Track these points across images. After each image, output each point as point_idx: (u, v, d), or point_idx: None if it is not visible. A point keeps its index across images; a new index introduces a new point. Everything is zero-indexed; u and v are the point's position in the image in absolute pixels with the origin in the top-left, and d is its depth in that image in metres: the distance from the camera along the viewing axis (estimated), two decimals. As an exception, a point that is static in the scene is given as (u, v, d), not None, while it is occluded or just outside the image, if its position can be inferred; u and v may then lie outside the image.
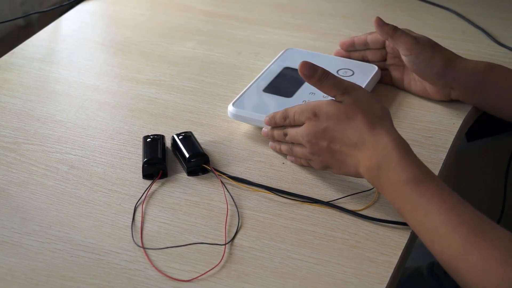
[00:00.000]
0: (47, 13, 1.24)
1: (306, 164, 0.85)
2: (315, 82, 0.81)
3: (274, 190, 0.82)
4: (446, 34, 1.15)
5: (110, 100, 0.99)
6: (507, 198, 1.23)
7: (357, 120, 0.77)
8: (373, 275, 0.71)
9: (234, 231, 0.77)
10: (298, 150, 0.84)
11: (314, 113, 0.80)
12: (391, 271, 0.72)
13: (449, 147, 0.89)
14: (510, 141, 1.18)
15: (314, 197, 0.81)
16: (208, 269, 0.72)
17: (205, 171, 0.85)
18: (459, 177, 1.42)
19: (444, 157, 0.88)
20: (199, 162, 0.85)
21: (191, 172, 0.85)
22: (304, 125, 0.81)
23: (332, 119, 0.79)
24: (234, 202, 0.81)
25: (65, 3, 1.24)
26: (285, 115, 0.84)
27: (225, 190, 0.82)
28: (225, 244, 0.75)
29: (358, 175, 0.78)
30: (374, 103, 0.79)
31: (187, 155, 0.84)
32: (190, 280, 0.71)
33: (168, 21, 1.20)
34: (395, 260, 0.73)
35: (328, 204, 0.80)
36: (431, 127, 0.93)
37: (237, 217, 0.79)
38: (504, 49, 1.10)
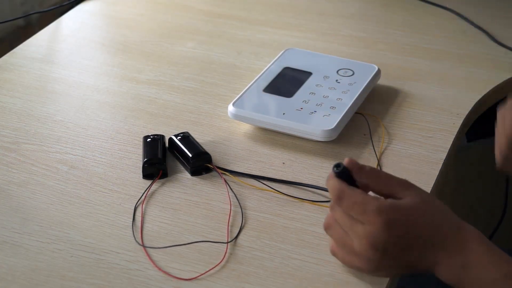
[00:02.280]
0: (47, 13, 1.24)
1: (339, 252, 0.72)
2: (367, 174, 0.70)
3: (280, 181, 0.83)
4: (447, 34, 1.15)
5: (110, 100, 0.99)
6: (508, 198, 1.23)
7: (438, 221, 0.68)
8: (374, 276, 0.71)
9: (236, 230, 0.77)
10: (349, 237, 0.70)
11: (390, 220, 0.67)
12: (391, 271, 0.72)
13: (449, 147, 0.89)
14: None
15: (314, 198, 0.81)
16: (209, 269, 0.72)
17: (208, 171, 0.85)
18: (459, 177, 1.42)
19: (444, 157, 0.88)
20: (202, 162, 0.85)
21: (195, 172, 0.85)
22: (369, 226, 0.67)
23: (414, 227, 0.67)
24: (238, 201, 0.81)
25: (65, 3, 1.24)
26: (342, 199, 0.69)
27: (228, 188, 0.82)
28: (227, 242, 0.75)
29: (424, 272, 0.70)
30: (435, 198, 0.71)
31: (190, 155, 0.84)
32: (191, 279, 0.71)
33: (168, 21, 1.20)
34: (395, 260, 0.73)
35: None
36: (431, 127, 0.93)
37: (240, 215, 0.79)
38: (505, 49, 1.10)
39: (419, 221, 0.68)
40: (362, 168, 0.70)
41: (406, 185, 0.70)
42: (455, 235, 0.68)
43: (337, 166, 0.69)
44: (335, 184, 0.69)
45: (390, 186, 0.69)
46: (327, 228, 0.72)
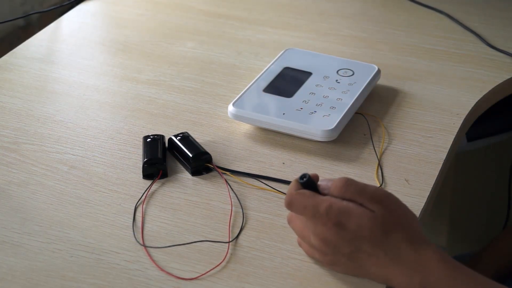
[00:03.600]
0: (47, 13, 1.24)
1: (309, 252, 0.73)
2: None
3: (281, 181, 0.83)
4: (447, 34, 1.15)
5: (110, 100, 0.99)
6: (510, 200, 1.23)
7: (396, 236, 0.67)
8: (373, 275, 0.71)
9: (236, 230, 0.77)
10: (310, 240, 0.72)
11: (339, 222, 0.68)
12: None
13: (449, 147, 0.89)
14: (510, 141, 1.18)
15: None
16: (209, 269, 0.72)
17: (208, 170, 0.85)
18: (459, 177, 1.42)
19: (444, 157, 0.88)
20: (202, 162, 0.85)
21: (195, 172, 0.85)
22: (322, 227, 0.69)
23: (363, 233, 0.67)
24: (239, 200, 0.81)
25: (65, 3, 1.24)
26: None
27: (229, 188, 0.82)
28: (228, 242, 0.75)
29: (381, 283, 0.70)
30: (412, 216, 0.70)
31: (190, 155, 0.84)
32: (191, 279, 0.71)
33: (168, 21, 1.20)
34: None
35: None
36: (431, 127, 0.93)
37: (241, 215, 0.79)
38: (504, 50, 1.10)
39: (373, 230, 0.67)
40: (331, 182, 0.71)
41: (375, 199, 0.68)
42: (418, 257, 0.67)
43: (302, 177, 0.70)
44: (289, 189, 0.71)
45: (361, 199, 0.68)
46: (289, 222, 0.74)
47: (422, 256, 0.67)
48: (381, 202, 0.68)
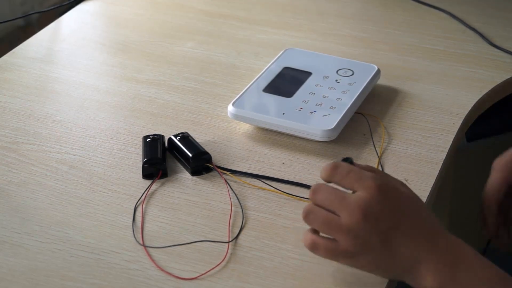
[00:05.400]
0: (47, 13, 1.24)
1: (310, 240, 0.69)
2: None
3: (281, 181, 0.83)
4: (447, 34, 1.15)
5: (110, 100, 0.99)
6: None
7: (430, 216, 0.68)
8: (373, 275, 0.71)
9: (236, 230, 0.77)
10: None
11: (386, 193, 0.67)
12: (391, 271, 0.72)
13: (449, 147, 0.89)
14: (510, 141, 1.18)
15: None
16: (209, 269, 0.72)
17: (208, 170, 0.85)
18: (459, 177, 1.42)
19: (444, 157, 0.88)
20: (202, 161, 0.85)
21: (195, 172, 0.85)
22: (364, 194, 0.67)
23: (405, 205, 0.67)
24: (238, 200, 0.81)
25: (65, 3, 1.24)
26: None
27: (229, 188, 0.82)
28: (228, 242, 0.75)
29: (399, 274, 0.67)
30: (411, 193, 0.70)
31: (190, 155, 0.84)
32: (191, 279, 0.71)
33: (168, 21, 1.20)
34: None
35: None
36: (431, 127, 0.93)
37: (241, 215, 0.79)
38: (504, 50, 1.10)
39: (412, 205, 0.68)
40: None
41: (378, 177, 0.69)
42: (444, 234, 0.67)
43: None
44: (329, 162, 0.70)
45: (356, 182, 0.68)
46: (308, 214, 0.68)
47: (452, 239, 0.66)
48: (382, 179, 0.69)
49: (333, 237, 0.67)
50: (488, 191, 0.83)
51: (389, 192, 0.67)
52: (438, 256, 0.65)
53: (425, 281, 0.65)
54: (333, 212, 0.67)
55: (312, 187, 0.69)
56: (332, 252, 0.67)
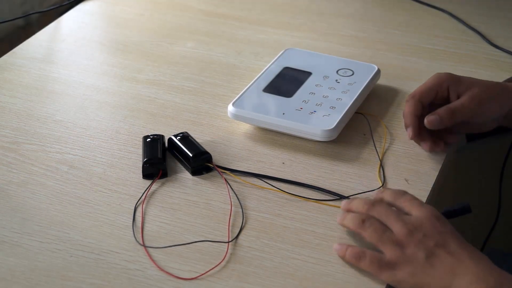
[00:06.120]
0: (47, 13, 1.24)
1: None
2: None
3: (281, 181, 0.83)
4: (447, 34, 1.15)
5: (110, 100, 0.99)
6: (502, 199, 1.23)
7: (464, 242, 0.71)
8: (373, 275, 0.71)
9: (236, 229, 0.77)
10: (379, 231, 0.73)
11: (439, 215, 0.74)
12: (391, 271, 0.72)
13: (449, 147, 0.89)
14: (509, 141, 1.18)
15: (315, 197, 0.81)
16: (209, 269, 0.72)
17: (208, 170, 0.85)
18: (459, 177, 1.42)
19: (444, 157, 0.87)
20: (202, 161, 0.85)
21: (195, 172, 0.84)
22: (419, 214, 0.73)
23: (453, 231, 0.72)
24: (239, 200, 0.80)
25: (65, 3, 1.24)
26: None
27: (229, 187, 0.82)
28: (228, 242, 0.75)
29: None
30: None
31: (190, 155, 0.84)
32: (191, 279, 0.71)
33: (168, 21, 1.20)
34: (395, 260, 0.73)
35: (336, 196, 0.80)
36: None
37: (241, 215, 0.79)
38: (504, 50, 1.10)
39: (455, 231, 0.72)
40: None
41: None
42: (483, 256, 0.69)
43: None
44: (394, 189, 0.77)
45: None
46: (364, 221, 0.73)
47: (487, 261, 0.68)
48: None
49: (380, 249, 0.71)
50: (417, 90, 0.88)
51: (440, 216, 0.72)
52: (480, 275, 0.67)
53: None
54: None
55: (368, 201, 0.75)
56: (377, 262, 0.70)
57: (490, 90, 0.86)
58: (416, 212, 0.73)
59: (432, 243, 0.69)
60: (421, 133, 0.87)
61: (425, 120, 0.85)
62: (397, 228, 0.71)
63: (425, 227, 0.71)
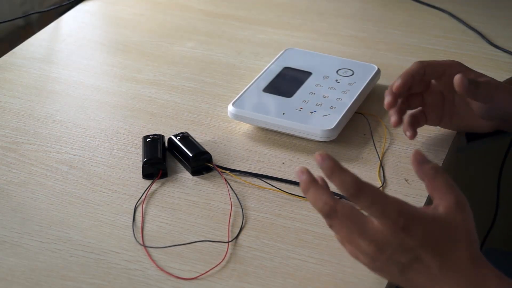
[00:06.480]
0: (47, 13, 1.24)
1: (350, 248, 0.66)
2: (425, 171, 0.66)
3: (281, 181, 0.83)
4: (446, 34, 1.15)
5: (110, 100, 0.99)
6: (500, 198, 1.23)
7: (460, 248, 0.63)
8: (373, 275, 0.71)
9: (236, 229, 0.77)
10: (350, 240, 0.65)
11: (407, 227, 0.62)
12: (391, 271, 0.72)
13: (449, 147, 0.89)
14: (510, 141, 1.18)
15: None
16: (209, 269, 0.72)
17: (208, 170, 0.85)
18: (459, 177, 1.42)
19: (444, 157, 0.88)
20: (202, 161, 0.85)
21: (195, 172, 0.85)
22: (382, 228, 0.62)
23: (429, 243, 0.62)
24: (239, 200, 0.81)
25: (65, 3, 1.24)
26: (360, 189, 0.62)
27: (229, 187, 0.82)
28: (228, 242, 0.75)
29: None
30: (475, 230, 0.65)
31: (190, 155, 0.84)
32: (191, 279, 0.71)
33: (168, 21, 1.20)
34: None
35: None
36: (431, 127, 0.93)
37: (241, 215, 0.79)
38: (504, 50, 1.10)
39: (441, 240, 0.63)
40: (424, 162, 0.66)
41: (462, 202, 0.65)
42: (471, 267, 0.62)
43: None
44: (351, 177, 0.62)
45: (446, 194, 0.64)
46: (330, 226, 0.66)
47: (480, 272, 0.62)
48: (462, 209, 0.64)
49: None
50: (427, 61, 0.85)
51: (408, 230, 0.63)
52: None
53: None
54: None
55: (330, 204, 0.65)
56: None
57: (502, 84, 0.85)
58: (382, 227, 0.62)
59: (404, 260, 0.63)
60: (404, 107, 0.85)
61: (457, 76, 0.78)
62: (360, 243, 0.64)
63: (391, 246, 0.62)
